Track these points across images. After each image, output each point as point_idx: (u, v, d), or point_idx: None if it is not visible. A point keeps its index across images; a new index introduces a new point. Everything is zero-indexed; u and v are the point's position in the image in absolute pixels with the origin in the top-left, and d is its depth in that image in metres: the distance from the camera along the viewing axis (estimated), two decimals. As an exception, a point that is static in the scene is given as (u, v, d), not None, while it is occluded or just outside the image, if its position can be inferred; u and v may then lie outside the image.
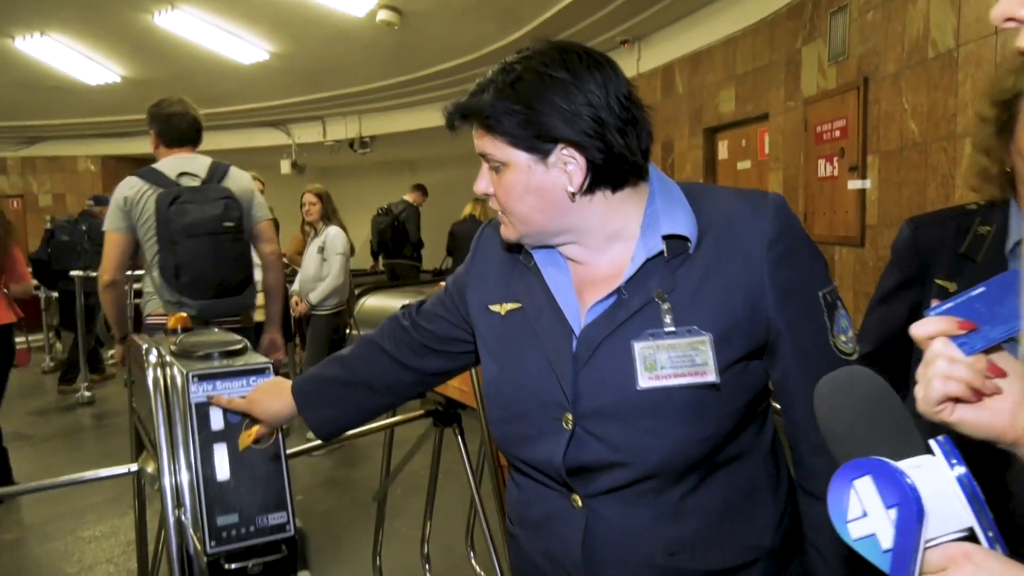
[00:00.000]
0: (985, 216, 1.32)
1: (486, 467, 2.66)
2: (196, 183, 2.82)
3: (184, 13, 6.13)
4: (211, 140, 11.08)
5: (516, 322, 1.07)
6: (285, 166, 10.33)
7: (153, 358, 1.52)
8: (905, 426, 0.63)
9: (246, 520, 1.32)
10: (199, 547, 1.32)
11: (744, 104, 5.12)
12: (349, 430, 1.33)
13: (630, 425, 0.96)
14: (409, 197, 7.68)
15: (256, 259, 4.44)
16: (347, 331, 5.33)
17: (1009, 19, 0.58)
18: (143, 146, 10.44)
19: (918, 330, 0.65)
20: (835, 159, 4.02)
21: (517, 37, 6.43)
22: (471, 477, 2.31)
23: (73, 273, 6.00)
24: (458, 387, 2.17)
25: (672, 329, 0.95)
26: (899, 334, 1.24)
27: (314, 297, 4.59)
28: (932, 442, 0.61)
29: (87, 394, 5.99)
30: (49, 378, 6.91)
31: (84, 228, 6.32)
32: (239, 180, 2.94)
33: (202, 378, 1.36)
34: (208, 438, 1.34)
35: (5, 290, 3.98)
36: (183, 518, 1.40)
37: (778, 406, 1.04)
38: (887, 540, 0.58)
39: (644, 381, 0.94)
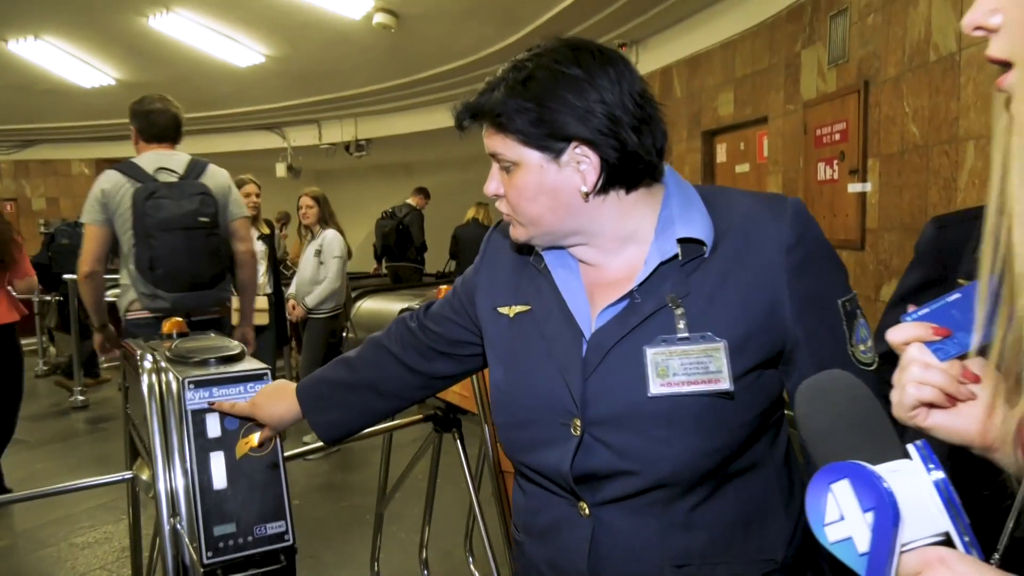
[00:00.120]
0: None
1: (486, 472, 2.64)
2: (173, 179, 2.90)
3: (179, 16, 6.10)
4: (206, 143, 11.11)
5: (525, 325, 1.05)
6: (281, 169, 10.29)
7: (148, 364, 1.49)
8: (884, 430, 0.63)
9: (244, 530, 1.29)
10: (195, 557, 1.29)
11: (743, 107, 5.11)
12: (354, 434, 1.31)
13: (640, 433, 0.93)
14: (412, 200, 7.69)
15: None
16: (344, 334, 5.30)
17: (978, 28, 0.59)
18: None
19: (893, 335, 0.66)
20: (835, 162, 4.00)
21: (515, 40, 6.41)
22: (470, 482, 2.29)
23: (67, 276, 5.96)
24: (458, 392, 2.14)
25: (686, 335, 0.93)
26: None
27: (311, 300, 4.56)
28: (910, 446, 0.61)
29: (81, 398, 5.94)
30: (42, 382, 6.86)
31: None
32: (216, 177, 3.02)
33: (198, 384, 1.33)
34: (204, 446, 1.31)
35: (10, 288, 3.97)
36: (179, 527, 1.36)
37: (792, 415, 1.01)
38: (863, 544, 0.58)
39: (655, 388, 0.92)
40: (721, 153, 5.58)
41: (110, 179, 2.89)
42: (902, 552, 0.58)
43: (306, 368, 4.66)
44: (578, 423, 0.96)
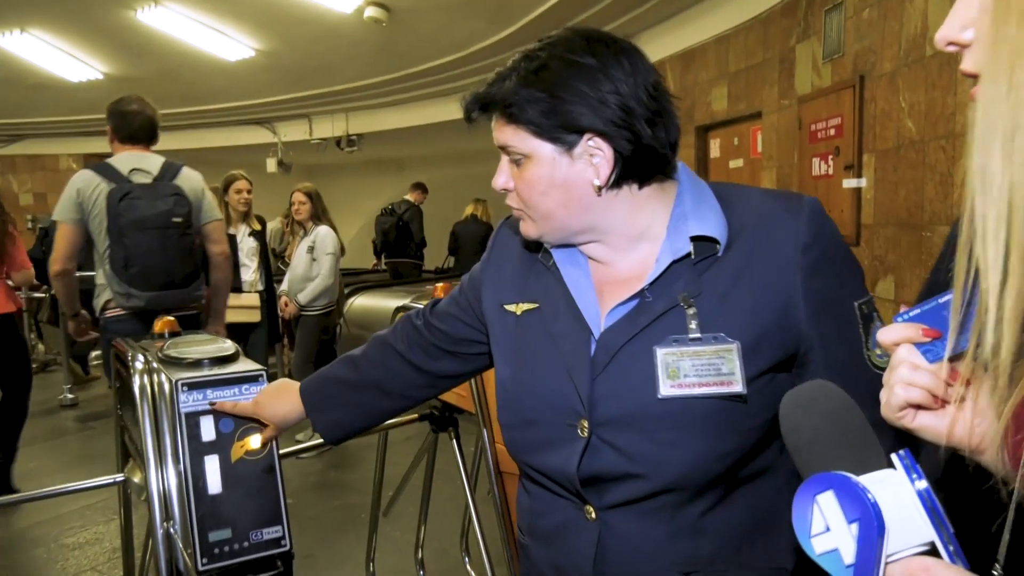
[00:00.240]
0: None
1: (482, 472, 2.62)
2: (148, 180, 2.96)
3: (168, 10, 6.03)
4: (195, 138, 11.03)
5: (532, 323, 1.02)
6: (271, 165, 10.22)
7: (140, 364, 1.46)
8: (868, 440, 0.63)
9: (240, 535, 1.26)
10: (189, 564, 1.26)
11: (737, 102, 5.09)
12: (359, 434, 1.28)
13: (649, 435, 0.91)
14: (411, 196, 7.70)
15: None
16: (337, 331, 5.26)
17: (951, 43, 0.60)
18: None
19: (884, 336, 0.66)
20: (830, 157, 3.99)
21: (507, 34, 6.38)
22: (466, 482, 2.26)
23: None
24: (456, 391, 2.12)
25: (697, 336, 0.90)
26: None
27: (303, 297, 4.53)
28: (894, 456, 0.61)
29: (70, 396, 5.88)
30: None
31: None
32: (190, 180, 3.07)
33: (192, 387, 1.30)
34: (199, 449, 1.28)
35: (8, 280, 3.95)
36: (172, 531, 1.34)
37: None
38: (849, 555, 0.58)
39: (666, 389, 0.90)
40: (715, 148, 5.57)
41: (85, 179, 2.94)
42: (888, 563, 0.58)
43: (298, 365, 4.62)
44: (585, 424, 0.94)
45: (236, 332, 4.19)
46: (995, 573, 0.60)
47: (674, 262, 0.93)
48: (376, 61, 7.46)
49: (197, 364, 1.39)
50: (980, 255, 0.56)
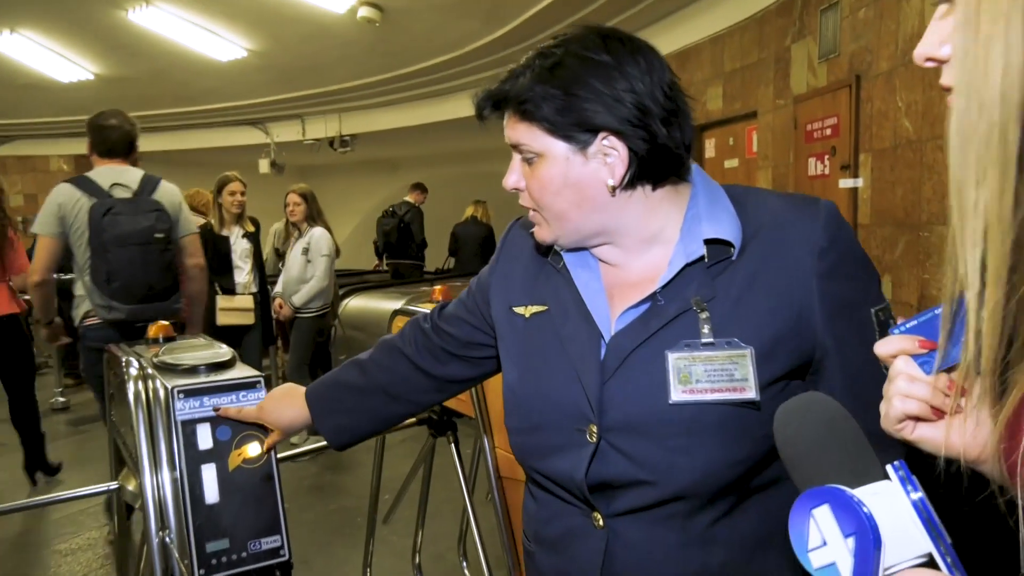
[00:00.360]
0: None
1: (479, 476, 2.60)
2: (128, 194, 3.03)
3: (159, 10, 5.99)
4: (187, 139, 10.97)
5: (541, 326, 1.00)
6: (264, 165, 10.18)
7: (134, 370, 1.43)
8: (862, 451, 0.63)
9: (238, 545, 1.24)
10: (186, 574, 1.23)
11: (732, 102, 5.08)
12: (365, 439, 1.26)
13: (659, 441, 0.89)
14: (411, 198, 7.72)
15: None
16: (332, 333, 5.23)
17: (929, 59, 0.61)
18: (118, 145, 10.26)
19: (881, 348, 0.67)
20: (826, 157, 3.99)
21: (501, 34, 6.36)
22: (465, 487, 2.24)
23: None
24: (454, 395, 2.09)
25: (710, 340, 0.88)
26: None
27: (298, 299, 4.49)
28: (889, 467, 0.61)
29: (62, 399, 5.83)
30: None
31: None
32: (169, 194, 3.16)
33: (188, 394, 1.27)
34: (196, 457, 1.25)
35: (9, 281, 3.95)
36: (167, 540, 1.31)
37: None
38: (847, 569, 0.58)
39: (677, 394, 0.88)
40: (710, 148, 5.56)
41: (66, 193, 3.00)
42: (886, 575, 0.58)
43: (293, 368, 4.59)
44: (594, 429, 0.92)
45: (230, 335, 4.17)
46: None
47: (687, 265, 0.92)
48: (369, 61, 7.44)
49: (193, 371, 1.36)
50: (961, 268, 0.57)
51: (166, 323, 1.76)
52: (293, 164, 10.76)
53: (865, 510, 0.58)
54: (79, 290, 3.08)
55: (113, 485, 1.71)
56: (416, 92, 8.48)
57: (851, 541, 0.58)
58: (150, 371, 1.42)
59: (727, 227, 0.91)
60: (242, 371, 1.38)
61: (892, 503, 0.60)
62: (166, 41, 6.65)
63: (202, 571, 1.21)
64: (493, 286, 1.10)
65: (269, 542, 1.26)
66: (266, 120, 10.16)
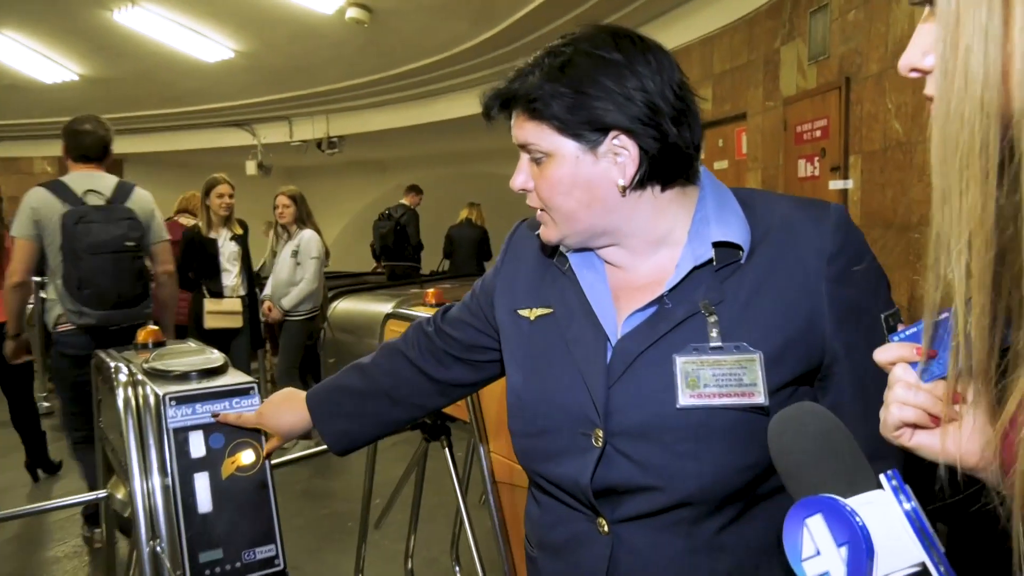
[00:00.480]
0: None
1: (472, 479, 2.58)
2: (101, 202, 3.07)
3: (145, 10, 5.94)
4: (173, 140, 10.86)
5: (546, 328, 0.99)
6: (251, 167, 10.11)
7: (123, 377, 1.41)
8: (855, 461, 0.64)
9: (231, 555, 1.21)
10: (178, 585, 1.21)
11: (721, 103, 5.09)
12: (366, 444, 1.24)
13: (666, 446, 0.88)
14: (406, 200, 7.75)
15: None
16: (321, 336, 5.19)
17: (913, 69, 0.62)
18: (103, 147, 10.17)
19: (880, 356, 0.68)
20: (816, 159, 4.00)
21: (490, 35, 6.34)
22: (459, 491, 2.22)
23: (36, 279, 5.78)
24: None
25: (719, 344, 0.87)
26: None
27: (287, 302, 4.45)
28: (881, 477, 0.62)
29: (46, 404, 5.75)
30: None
31: None
32: (142, 201, 3.19)
33: (180, 401, 1.25)
34: (188, 466, 1.23)
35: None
36: (158, 549, 1.28)
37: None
38: None
39: (685, 399, 0.86)
40: (699, 150, 5.56)
41: (40, 198, 3.03)
42: None
43: (283, 372, 4.55)
44: (600, 433, 0.91)
45: (218, 338, 4.13)
46: None
47: (695, 268, 0.91)
48: (358, 62, 7.40)
49: (184, 377, 1.34)
50: (948, 275, 0.57)
51: (155, 328, 1.74)
52: (280, 166, 10.70)
53: (858, 519, 0.59)
54: (51, 294, 3.13)
55: (102, 493, 1.68)
56: (405, 93, 8.45)
57: (844, 550, 0.59)
58: (140, 377, 1.39)
59: (736, 230, 0.90)
60: (234, 377, 1.36)
61: (885, 512, 0.60)
62: (152, 42, 6.59)
63: (195, 582, 1.18)
64: (498, 288, 1.08)
65: (264, 551, 1.24)
66: (253, 121, 10.10)
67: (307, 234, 4.48)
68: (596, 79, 0.87)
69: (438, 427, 2.14)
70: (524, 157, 0.95)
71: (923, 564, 0.59)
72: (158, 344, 1.69)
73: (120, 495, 1.63)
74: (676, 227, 0.94)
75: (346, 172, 12.52)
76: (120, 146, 11.37)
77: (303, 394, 1.23)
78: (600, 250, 0.97)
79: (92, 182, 3.08)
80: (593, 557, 0.94)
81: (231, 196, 4.35)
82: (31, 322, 6.86)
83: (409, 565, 2.66)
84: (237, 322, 4.34)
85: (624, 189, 0.90)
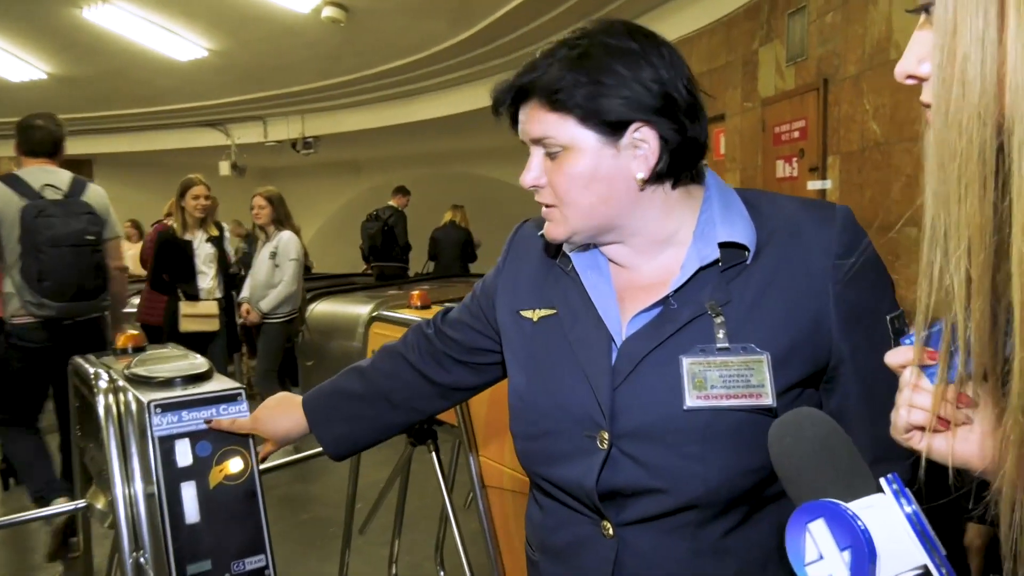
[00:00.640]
0: None
1: (456, 483, 2.56)
2: (59, 196, 3.13)
3: (116, 8, 5.84)
4: (145, 140, 10.69)
5: (549, 329, 0.97)
6: (224, 167, 9.99)
7: (103, 383, 1.36)
8: (855, 465, 0.65)
9: (220, 567, 1.18)
10: (165, 598, 1.17)
11: (699, 105, 5.12)
12: (364, 449, 1.22)
13: (672, 448, 0.87)
14: (394, 202, 7.75)
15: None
16: (299, 339, 5.13)
17: (909, 76, 0.62)
18: (72, 146, 9.95)
19: (891, 359, 0.68)
20: (794, 160, 4.03)
21: (467, 36, 6.33)
22: (446, 496, 2.20)
23: None
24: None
25: (725, 345, 0.86)
26: None
27: (265, 305, 4.39)
28: (882, 480, 0.63)
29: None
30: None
31: None
32: (97, 196, 3.26)
33: (166, 408, 1.21)
34: (174, 475, 1.19)
35: None
36: (142, 561, 1.25)
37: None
38: None
39: (691, 400, 0.85)
40: (677, 150, 5.59)
41: None
42: None
43: (262, 374, 4.48)
44: (605, 435, 0.89)
45: (194, 341, 4.05)
46: None
47: (700, 269, 0.90)
48: (334, 62, 7.34)
49: (169, 383, 1.30)
50: (947, 282, 0.58)
51: (135, 332, 1.69)
52: (255, 166, 10.58)
53: (860, 523, 0.59)
54: (8, 287, 3.16)
55: (81, 503, 1.63)
56: (381, 93, 8.40)
57: (847, 554, 0.59)
58: (121, 383, 1.35)
59: (742, 231, 0.90)
60: (221, 383, 1.32)
61: (887, 516, 0.61)
62: (123, 40, 6.48)
63: (183, 595, 1.15)
64: (499, 289, 1.07)
65: (253, 562, 1.21)
66: (227, 121, 9.98)
67: (285, 235, 4.43)
68: (616, 69, 0.86)
69: (424, 431, 2.12)
70: (536, 153, 0.92)
71: (925, 567, 0.60)
72: (138, 349, 1.65)
73: (100, 505, 1.58)
74: (681, 227, 0.93)
75: (321, 173, 12.43)
76: (90, 146, 11.20)
77: (299, 398, 1.21)
78: (605, 247, 0.96)
79: (48, 177, 3.13)
80: (597, 560, 0.93)
81: (207, 197, 4.28)
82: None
83: (393, 570, 2.62)
84: (213, 325, 4.27)
85: (643, 183, 0.89)
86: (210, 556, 1.18)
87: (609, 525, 0.92)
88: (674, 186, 0.92)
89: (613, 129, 0.87)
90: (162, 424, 1.20)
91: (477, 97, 7.90)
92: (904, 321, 0.91)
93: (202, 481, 1.20)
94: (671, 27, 5.34)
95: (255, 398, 2.45)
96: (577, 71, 0.86)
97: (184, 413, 1.22)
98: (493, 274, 1.11)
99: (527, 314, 1.00)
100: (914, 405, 0.65)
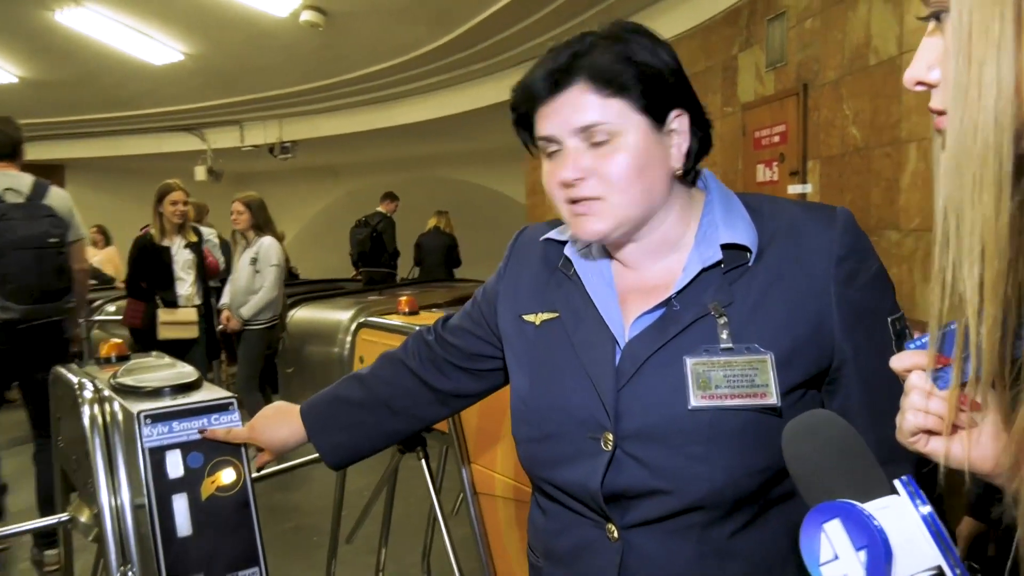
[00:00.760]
0: None
1: (444, 490, 2.54)
2: (20, 199, 3.14)
3: (89, 11, 5.75)
4: (119, 145, 10.55)
5: (552, 333, 0.97)
6: (200, 172, 9.87)
7: (88, 393, 1.33)
8: (870, 466, 0.65)
9: (213, 581, 1.15)
10: (155, 613, 1.15)
11: (679, 109, 5.16)
12: (363, 458, 1.20)
13: (677, 449, 0.86)
14: (382, 208, 7.78)
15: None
16: (280, 345, 5.08)
17: (919, 83, 0.63)
18: (43, 151, 9.81)
19: (896, 363, 0.68)
20: (774, 164, 4.07)
21: (447, 40, 6.32)
22: (436, 503, 2.18)
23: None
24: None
25: (729, 345, 0.86)
26: None
27: (246, 311, 4.34)
28: (896, 482, 0.64)
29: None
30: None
31: None
32: (60, 199, 3.28)
33: (156, 419, 1.18)
34: (165, 487, 1.16)
35: None
36: (130, 575, 1.22)
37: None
38: None
39: (696, 400, 0.85)
40: (658, 155, 5.62)
41: None
42: None
43: (243, 382, 4.43)
44: (610, 437, 0.89)
45: (173, 348, 3.99)
46: None
47: (703, 271, 0.90)
48: (311, 66, 7.29)
49: (157, 393, 1.27)
50: (960, 287, 0.58)
51: (119, 341, 1.66)
52: (231, 171, 10.47)
53: (876, 523, 0.60)
54: None
55: (64, 516, 1.59)
56: (360, 98, 8.36)
57: (863, 554, 0.60)
58: (107, 393, 1.32)
59: (743, 232, 0.90)
60: (211, 392, 1.29)
61: (901, 517, 0.61)
62: (96, 43, 6.39)
63: (175, 609, 1.12)
64: (501, 294, 1.06)
65: (247, 574, 1.18)
66: (203, 126, 9.87)
67: (266, 241, 4.38)
68: (656, 55, 0.87)
69: (413, 438, 2.10)
70: (571, 145, 0.89)
71: (940, 567, 0.60)
72: (122, 358, 1.61)
73: (84, 518, 1.55)
74: (685, 231, 0.94)
75: (298, 178, 12.34)
76: (62, 151, 11.02)
77: (295, 407, 1.19)
78: (616, 246, 0.95)
79: (8, 180, 3.14)
80: (603, 564, 0.92)
81: (185, 204, 4.23)
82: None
83: (380, 578, 2.60)
84: (192, 332, 4.21)
85: (677, 173, 0.90)
86: (203, 569, 1.15)
87: (614, 528, 0.91)
88: (691, 184, 0.93)
89: (660, 115, 0.88)
90: (152, 435, 1.17)
91: (456, 102, 7.90)
92: (905, 323, 0.92)
93: (194, 493, 1.17)
94: (651, 32, 5.38)
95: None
96: (622, 57, 0.86)
97: (175, 424, 1.19)
98: (494, 280, 1.10)
99: (530, 318, 1.00)
100: (921, 408, 0.66)
